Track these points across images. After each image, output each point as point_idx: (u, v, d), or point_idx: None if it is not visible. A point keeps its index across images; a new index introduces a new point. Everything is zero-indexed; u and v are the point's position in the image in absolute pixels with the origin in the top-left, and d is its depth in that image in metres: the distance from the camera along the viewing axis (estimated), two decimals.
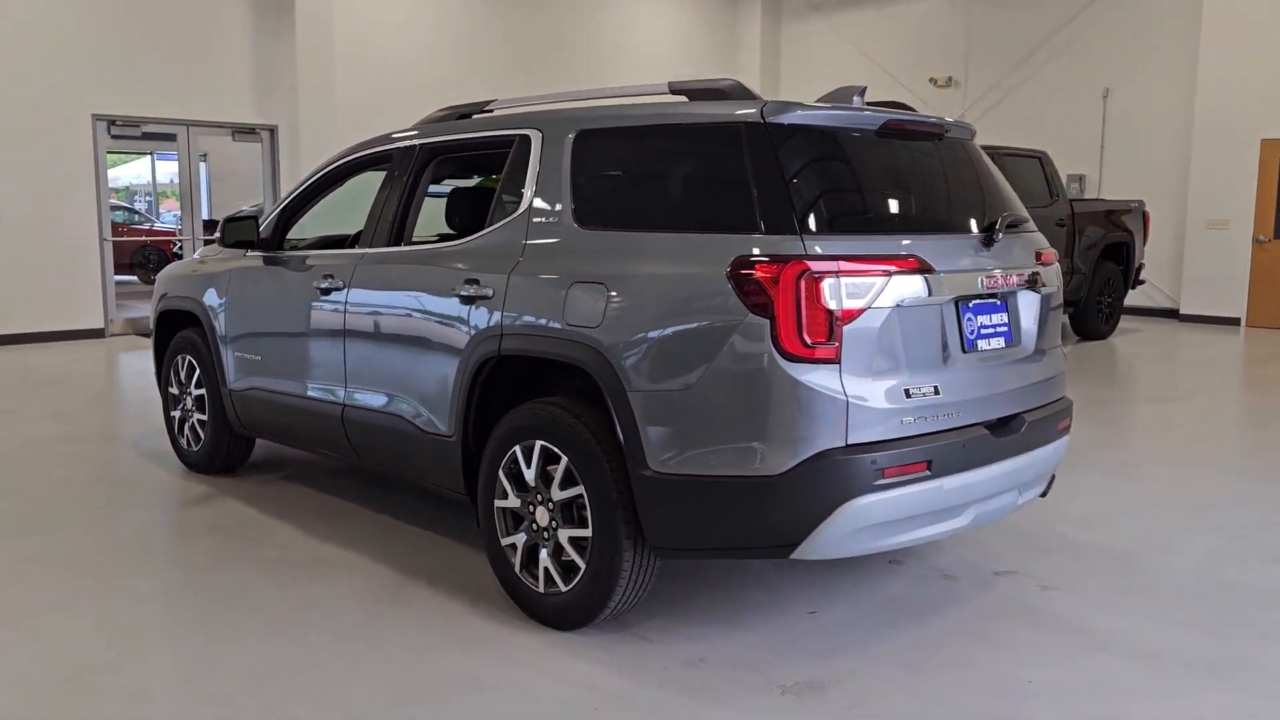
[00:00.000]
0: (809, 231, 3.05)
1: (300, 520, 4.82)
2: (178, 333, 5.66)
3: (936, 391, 3.20)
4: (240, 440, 5.49)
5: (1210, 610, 3.78)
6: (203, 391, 5.46)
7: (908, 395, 3.13)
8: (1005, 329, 3.53)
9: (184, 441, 5.71)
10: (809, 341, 2.98)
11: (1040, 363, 3.70)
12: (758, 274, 3.01)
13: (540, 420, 3.50)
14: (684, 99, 3.57)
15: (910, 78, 16.02)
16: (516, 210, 3.78)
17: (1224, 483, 5.58)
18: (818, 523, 3.03)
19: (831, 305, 2.99)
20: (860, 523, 3.06)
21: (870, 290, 3.05)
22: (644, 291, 3.27)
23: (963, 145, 3.79)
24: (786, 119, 3.24)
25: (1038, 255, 3.72)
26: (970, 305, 3.38)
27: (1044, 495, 3.92)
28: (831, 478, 3.00)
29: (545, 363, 3.59)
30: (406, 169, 4.40)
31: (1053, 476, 3.91)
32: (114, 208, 20.94)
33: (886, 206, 3.44)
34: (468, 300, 3.78)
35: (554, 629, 3.53)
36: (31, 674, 3.25)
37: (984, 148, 10.31)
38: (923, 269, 3.18)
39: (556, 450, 3.45)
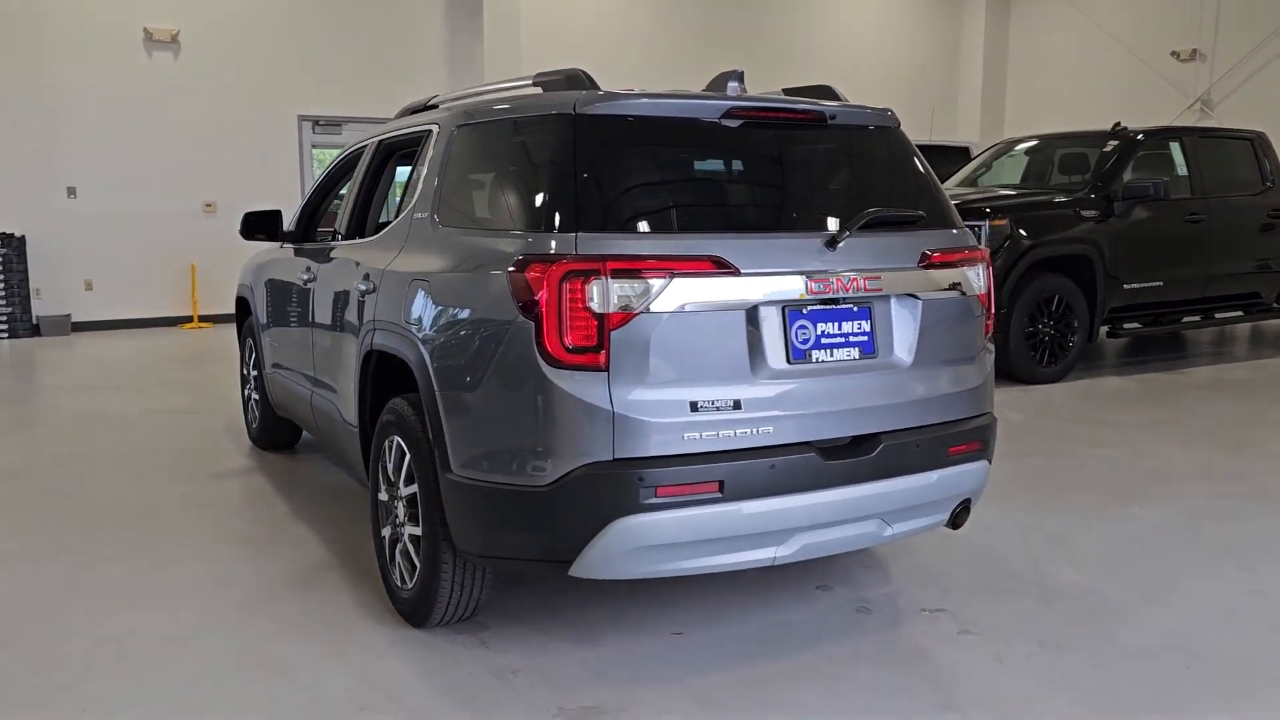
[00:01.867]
0: (590, 229, 2.86)
1: (298, 499, 5.09)
2: (246, 318, 6.13)
3: (736, 405, 2.89)
4: (284, 420, 5.85)
5: (1148, 682, 3.14)
6: (259, 373, 5.89)
7: (694, 409, 2.85)
8: (863, 338, 3.13)
9: (249, 418, 6.18)
10: (571, 346, 2.80)
11: (926, 377, 3.24)
12: (527, 275, 2.86)
13: (394, 416, 3.51)
14: (540, 91, 3.44)
15: (1150, 52, 14.43)
16: (409, 205, 3.80)
17: None
18: (588, 540, 2.85)
19: (598, 309, 2.78)
20: (633, 543, 2.83)
21: (647, 293, 2.81)
22: (449, 291, 3.20)
23: (859, 133, 3.39)
24: (599, 110, 3.05)
25: (924, 256, 3.26)
26: (805, 311, 3.03)
27: (955, 527, 3.45)
28: (597, 493, 2.81)
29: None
30: (366, 164, 4.53)
31: (965, 506, 3.42)
32: None
33: (699, 203, 3.14)
34: (362, 295, 3.84)
35: (410, 625, 3.54)
36: None
37: (1171, 129, 9.25)
38: (721, 270, 2.89)
39: (404, 447, 3.44)
